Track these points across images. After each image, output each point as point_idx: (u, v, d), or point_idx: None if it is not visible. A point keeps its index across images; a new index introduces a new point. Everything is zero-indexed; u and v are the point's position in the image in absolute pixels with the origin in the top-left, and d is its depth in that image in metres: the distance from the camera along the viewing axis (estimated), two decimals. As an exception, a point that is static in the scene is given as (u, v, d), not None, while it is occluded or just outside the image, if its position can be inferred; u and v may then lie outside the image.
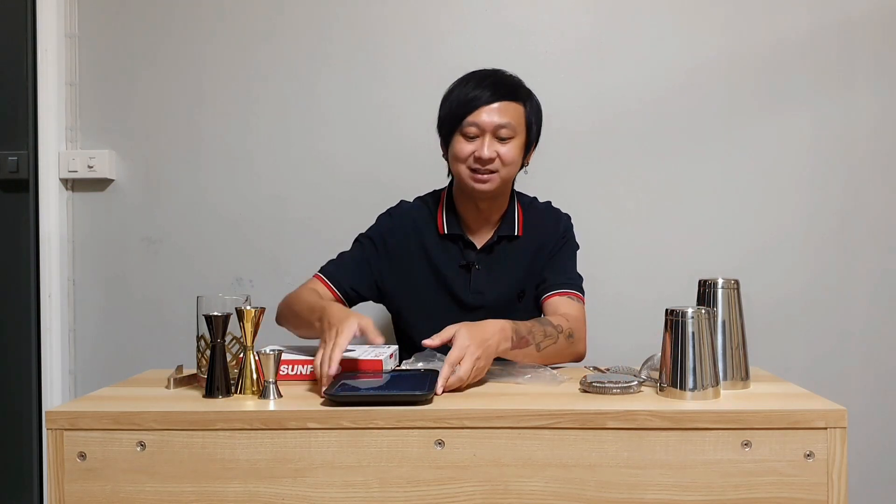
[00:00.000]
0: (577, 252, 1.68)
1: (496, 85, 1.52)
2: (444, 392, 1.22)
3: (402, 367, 1.39)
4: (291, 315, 1.52)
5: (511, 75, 1.57)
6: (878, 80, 2.11)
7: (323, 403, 1.16)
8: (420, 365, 1.37)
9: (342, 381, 1.22)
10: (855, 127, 2.12)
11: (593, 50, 2.15)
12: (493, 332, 1.31)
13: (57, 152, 2.17)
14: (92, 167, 2.17)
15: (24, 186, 2.18)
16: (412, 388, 1.18)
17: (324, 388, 1.19)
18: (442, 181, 1.71)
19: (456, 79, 1.58)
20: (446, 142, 1.57)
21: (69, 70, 2.20)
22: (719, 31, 2.13)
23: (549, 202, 1.71)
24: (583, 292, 1.61)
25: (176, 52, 2.19)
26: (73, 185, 2.21)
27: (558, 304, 1.55)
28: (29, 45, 2.17)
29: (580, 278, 1.63)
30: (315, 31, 2.17)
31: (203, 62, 2.19)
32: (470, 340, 1.26)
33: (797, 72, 2.12)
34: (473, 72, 1.57)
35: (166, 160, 2.20)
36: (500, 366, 1.40)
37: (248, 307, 1.22)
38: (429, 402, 1.15)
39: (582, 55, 2.15)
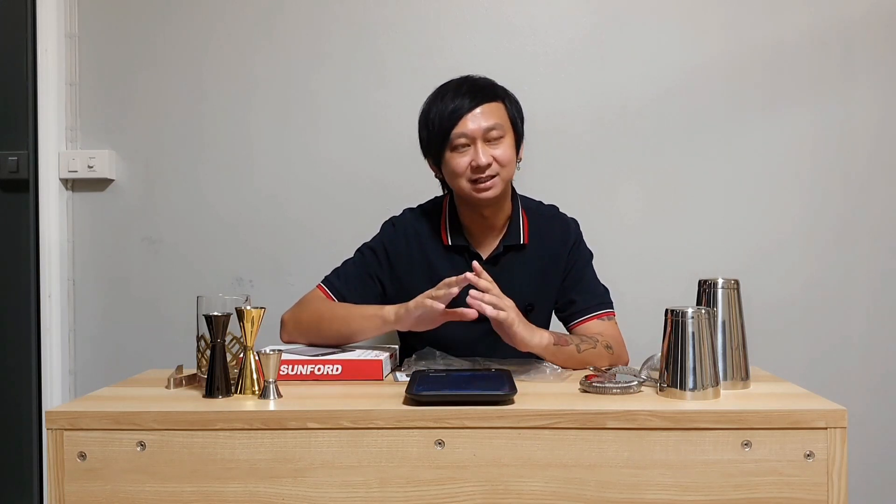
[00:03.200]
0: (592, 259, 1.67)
1: (472, 90, 1.49)
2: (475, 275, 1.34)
3: (403, 367, 1.39)
4: (324, 323, 1.48)
5: (482, 77, 1.55)
6: (878, 80, 2.11)
7: (405, 403, 1.15)
8: (422, 363, 1.37)
9: (418, 380, 1.22)
10: (855, 127, 2.12)
11: (592, 50, 2.15)
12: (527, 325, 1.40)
13: (57, 152, 2.17)
14: (92, 167, 2.17)
15: (24, 186, 2.18)
16: (493, 388, 1.18)
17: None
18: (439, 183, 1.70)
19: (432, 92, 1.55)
20: (437, 161, 1.55)
21: (69, 70, 2.20)
22: (719, 31, 2.13)
23: (556, 207, 1.69)
24: (611, 304, 1.61)
25: (176, 52, 2.19)
26: (73, 185, 2.21)
27: (591, 327, 1.56)
28: (29, 45, 2.17)
29: (606, 291, 1.62)
30: (314, 32, 2.17)
31: (203, 62, 2.19)
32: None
33: (797, 72, 2.12)
34: (443, 85, 1.54)
35: (166, 160, 2.20)
36: (505, 364, 1.40)
37: (248, 307, 1.22)
38: (511, 402, 1.14)
39: (581, 55, 2.15)
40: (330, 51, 2.17)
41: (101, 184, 2.21)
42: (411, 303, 1.39)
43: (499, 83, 1.56)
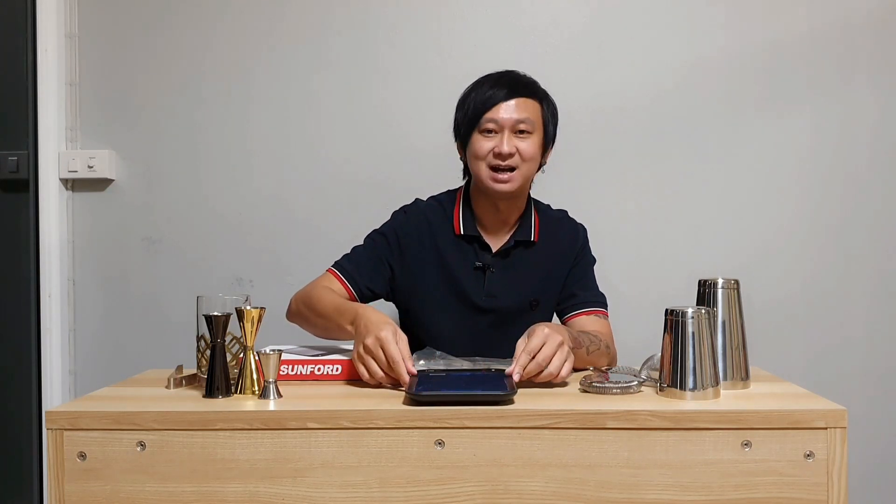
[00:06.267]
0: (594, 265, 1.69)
1: (513, 83, 1.53)
2: (520, 378, 1.22)
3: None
4: (312, 314, 1.50)
5: (526, 75, 1.58)
6: (878, 79, 2.11)
7: (405, 403, 1.15)
8: (421, 362, 1.37)
9: (418, 380, 1.22)
10: (855, 126, 2.12)
11: (592, 49, 2.15)
12: (560, 326, 1.33)
13: (57, 152, 2.18)
14: (92, 167, 2.17)
15: (24, 186, 2.18)
16: (493, 388, 1.18)
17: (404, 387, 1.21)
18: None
19: (462, 81, 1.57)
20: (464, 143, 1.57)
21: (69, 70, 2.20)
22: (719, 30, 2.13)
23: (566, 212, 1.71)
24: (607, 307, 1.63)
25: (176, 52, 2.19)
26: (73, 185, 2.21)
27: (585, 322, 1.58)
28: (29, 45, 2.17)
29: (603, 296, 1.65)
30: (315, 32, 2.18)
31: (203, 62, 2.19)
32: (548, 328, 1.27)
33: (797, 71, 2.12)
34: (487, 74, 1.57)
35: (166, 160, 2.20)
36: (505, 363, 1.40)
37: (248, 307, 1.22)
38: (511, 402, 1.14)
39: (581, 55, 2.15)
40: (330, 50, 2.17)
41: (101, 184, 2.21)
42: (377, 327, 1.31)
43: (541, 85, 1.58)
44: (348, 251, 1.62)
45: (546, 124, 1.56)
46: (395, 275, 1.61)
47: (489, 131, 1.51)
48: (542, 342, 1.25)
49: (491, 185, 1.52)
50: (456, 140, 1.60)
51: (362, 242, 1.63)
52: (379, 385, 1.28)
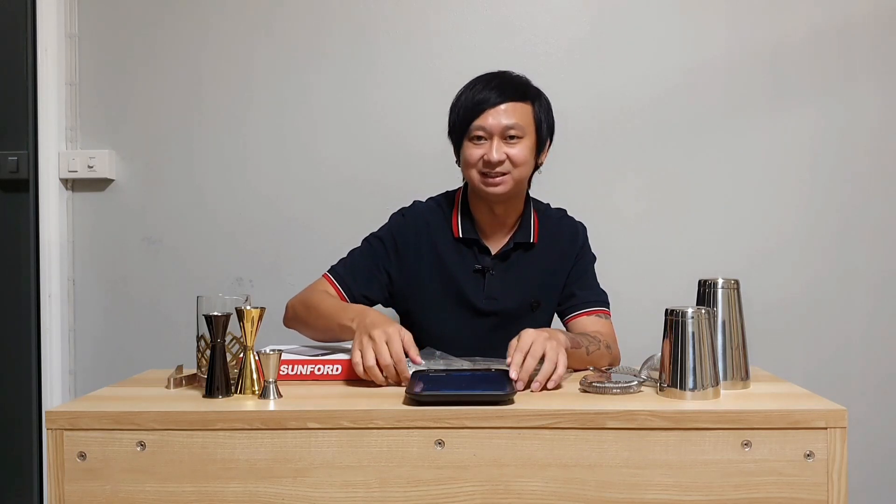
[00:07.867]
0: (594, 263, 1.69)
1: (502, 86, 1.51)
2: (517, 378, 1.22)
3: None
4: (311, 315, 1.50)
5: (518, 75, 1.56)
6: (880, 80, 2.11)
7: (405, 403, 1.15)
8: (422, 363, 1.37)
9: (418, 380, 1.22)
10: (857, 128, 2.12)
11: (593, 50, 2.15)
12: (548, 329, 1.33)
13: (57, 152, 2.18)
14: (92, 167, 2.17)
15: (24, 186, 2.18)
16: (493, 388, 1.18)
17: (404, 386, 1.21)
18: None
19: (460, 82, 1.57)
20: (457, 148, 1.57)
21: (69, 70, 2.20)
22: (720, 30, 2.13)
23: (564, 210, 1.70)
24: (609, 306, 1.62)
25: (176, 52, 2.19)
26: (73, 185, 2.21)
27: (587, 323, 1.57)
28: (29, 45, 2.17)
29: (605, 293, 1.64)
30: (313, 32, 2.18)
31: (203, 62, 2.19)
32: (535, 332, 1.27)
33: (799, 72, 2.12)
34: (480, 76, 1.56)
35: (166, 160, 2.20)
36: (505, 363, 1.40)
37: (248, 307, 1.22)
38: (511, 402, 1.14)
39: (581, 55, 2.15)
40: (329, 51, 2.17)
41: (101, 184, 2.21)
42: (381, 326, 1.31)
43: (533, 84, 1.57)
44: (345, 255, 1.62)
45: (539, 126, 1.54)
46: (393, 279, 1.60)
47: (479, 138, 1.50)
48: (532, 339, 1.26)
49: (483, 189, 1.52)
50: (451, 142, 1.60)
51: (360, 245, 1.63)
52: (377, 385, 1.28)
